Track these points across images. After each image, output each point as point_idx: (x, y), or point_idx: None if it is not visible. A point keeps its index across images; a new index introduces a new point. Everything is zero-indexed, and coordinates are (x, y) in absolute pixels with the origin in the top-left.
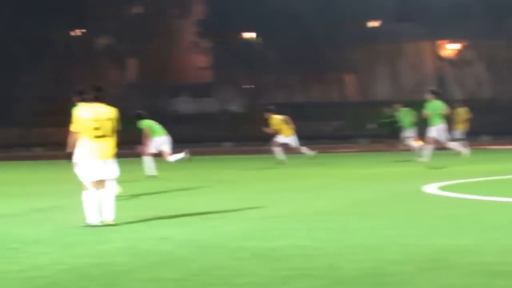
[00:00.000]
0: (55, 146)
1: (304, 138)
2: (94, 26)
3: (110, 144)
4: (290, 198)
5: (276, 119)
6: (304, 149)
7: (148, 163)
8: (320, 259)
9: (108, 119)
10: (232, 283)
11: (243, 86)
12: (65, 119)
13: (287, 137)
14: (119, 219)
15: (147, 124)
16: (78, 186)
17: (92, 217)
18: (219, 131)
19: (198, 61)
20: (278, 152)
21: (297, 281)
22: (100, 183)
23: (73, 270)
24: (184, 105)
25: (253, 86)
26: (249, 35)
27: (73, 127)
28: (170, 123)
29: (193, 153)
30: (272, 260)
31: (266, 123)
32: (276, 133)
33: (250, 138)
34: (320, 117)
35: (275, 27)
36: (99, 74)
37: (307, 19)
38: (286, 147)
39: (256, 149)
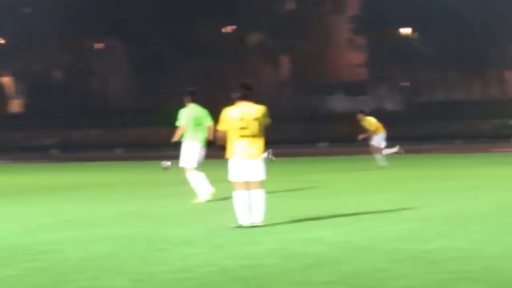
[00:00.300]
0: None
1: (463, 137)
2: (245, 22)
3: (257, 144)
4: (446, 199)
5: (369, 120)
6: (389, 151)
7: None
8: (479, 262)
9: (255, 119)
10: (388, 286)
11: (400, 84)
12: (216, 118)
13: (380, 136)
14: (271, 220)
15: None
16: (230, 186)
17: (243, 218)
18: None
19: (353, 58)
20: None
21: (454, 285)
22: (249, 183)
23: (224, 272)
24: (338, 103)
25: (408, 84)
26: (406, 30)
27: (220, 126)
28: (324, 122)
29: (348, 153)
30: (428, 262)
31: (360, 124)
32: (370, 135)
33: (407, 137)
34: (480, 115)
35: (432, 22)
36: (250, 71)
37: (465, 14)
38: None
39: (413, 148)
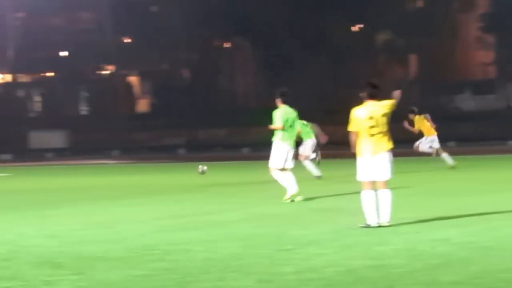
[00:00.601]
0: (334, 145)
1: None
2: (373, 20)
3: (384, 139)
4: None
5: (420, 120)
6: (444, 154)
7: (308, 166)
8: None
9: (383, 115)
10: None
11: None
12: (344, 117)
13: (429, 137)
14: (398, 220)
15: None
16: (358, 186)
17: (370, 218)
18: (503, 129)
19: (481, 57)
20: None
21: None
22: (375, 183)
23: (350, 272)
24: (466, 102)
25: None
26: None
27: (350, 127)
28: (451, 121)
29: (476, 152)
30: None
31: (411, 124)
32: (421, 134)
33: None
34: None
35: None
36: (378, 70)
37: None
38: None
39: None
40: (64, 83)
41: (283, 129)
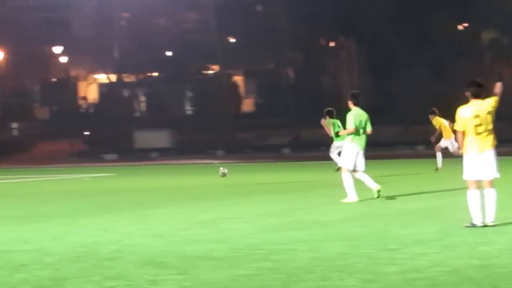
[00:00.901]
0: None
1: None
2: (478, 19)
3: (490, 139)
4: None
5: (439, 121)
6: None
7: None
8: None
9: (488, 112)
10: None
11: None
12: (448, 115)
13: (447, 140)
14: (503, 220)
15: (332, 122)
16: (461, 184)
17: (475, 218)
18: None
19: None
20: (439, 156)
21: None
22: (481, 182)
23: (454, 272)
24: None
25: None
26: None
27: (456, 126)
28: None
29: None
30: None
31: (430, 125)
32: (439, 135)
33: None
34: None
35: None
36: (483, 69)
37: None
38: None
39: None
40: (169, 83)
41: (355, 131)
